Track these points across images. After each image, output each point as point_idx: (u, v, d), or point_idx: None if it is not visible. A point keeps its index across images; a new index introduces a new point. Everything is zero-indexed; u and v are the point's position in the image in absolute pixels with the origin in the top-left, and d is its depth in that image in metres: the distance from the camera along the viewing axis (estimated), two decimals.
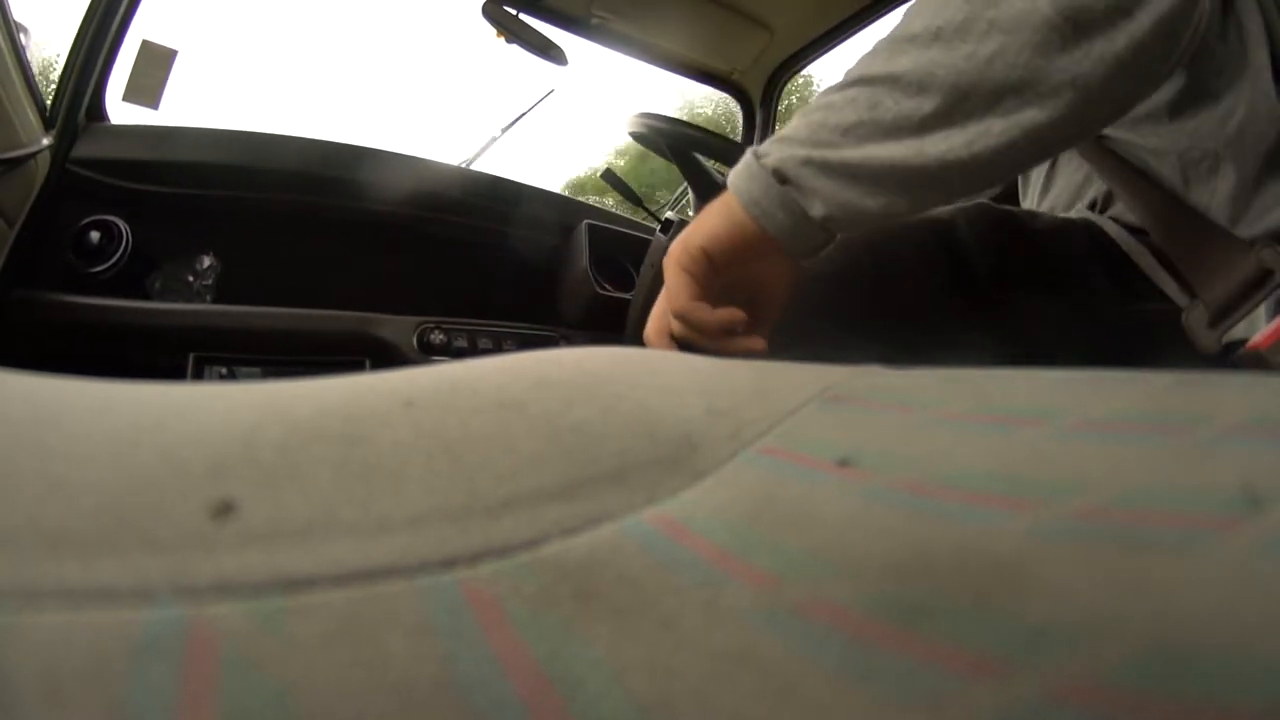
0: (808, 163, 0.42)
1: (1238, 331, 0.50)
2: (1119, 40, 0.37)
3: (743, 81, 1.56)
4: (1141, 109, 0.54)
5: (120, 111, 1.05)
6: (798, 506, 0.14)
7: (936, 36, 0.39)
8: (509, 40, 1.24)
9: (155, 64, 1.05)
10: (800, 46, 1.46)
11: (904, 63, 0.39)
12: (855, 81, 0.41)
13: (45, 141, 0.92)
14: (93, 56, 0.98)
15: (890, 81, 0.40)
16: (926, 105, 0.39)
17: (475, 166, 1.35)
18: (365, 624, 0.11)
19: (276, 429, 0.15)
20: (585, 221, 1.27)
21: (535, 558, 0.13)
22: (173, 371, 0.94)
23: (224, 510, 0.13)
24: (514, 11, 1.22)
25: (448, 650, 0.11)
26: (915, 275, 0.60)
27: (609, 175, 1.35)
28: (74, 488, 0.13)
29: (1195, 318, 0.52)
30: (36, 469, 0.13)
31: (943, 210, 0.66)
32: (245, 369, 0.99)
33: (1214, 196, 0.52)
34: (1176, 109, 0.53)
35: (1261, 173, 0.51)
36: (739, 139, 1.56)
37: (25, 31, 0.91)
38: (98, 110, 1.02)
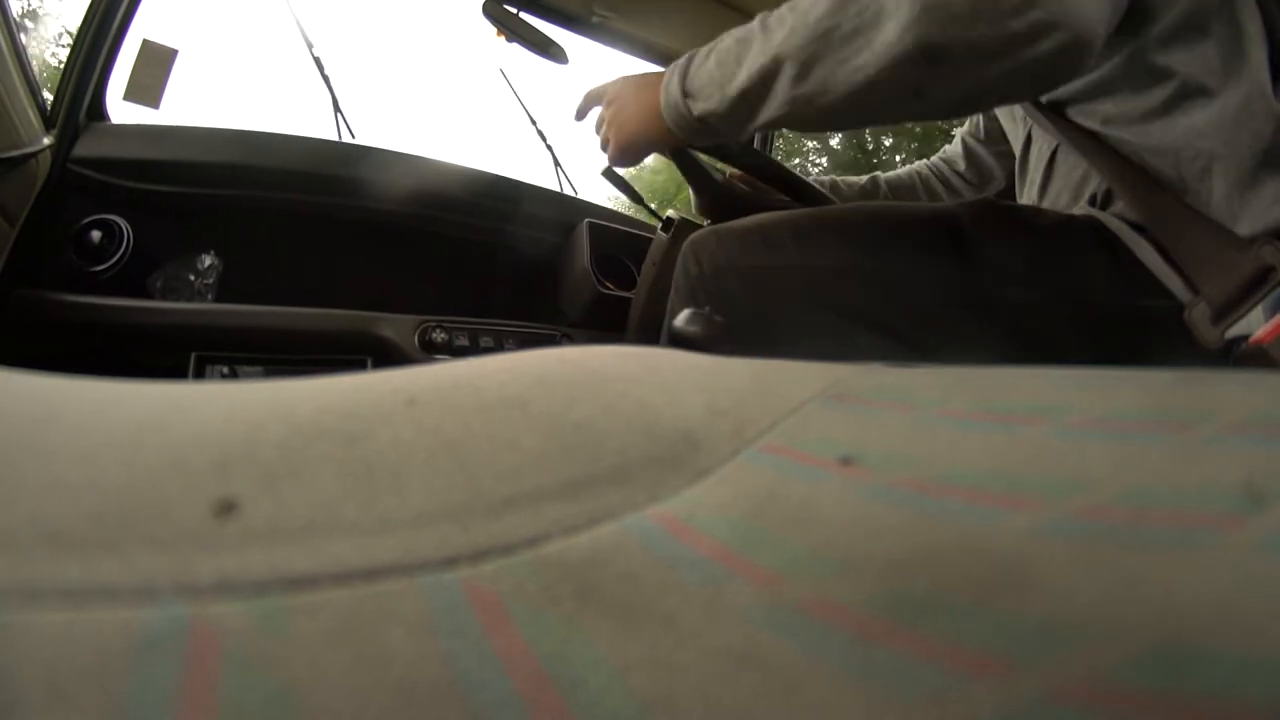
0: (716, 115, 0.59)
1: (1240, 327, 0.50)
2: (986, 72, 0.46)
3: None
4: (1138, 107, 0.54)
5: (121, 111, 1.05)
6: (800, 504, 0.14)
7: (826, 34, 0.50)
8: (509, 39, 1.24)
9: (156, 63, 1.05)
10: None
11: (794, 44, 0.51)
12: (760, 49, 0.54)
13: (46, 141, 0.92)
14: (93, 56, 0.97)
15: (777, 61, 0.53)
16: (802, 89, 0.52)
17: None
18: (367, 622, 0.11)
19: (278, 428, 0.15)
20: (586, 220, 1.27)
21: (537, 556, 0.13)
22: (174, 370, 0.94)
23: (226, 509, 0.13)
24: (514, 10, 1.22)
25: (449, 649, 0.11)
26: (918, 271, 0.60)
27: (610, 174, 1.35)
28: (75, 486, 0.13)
29: (1198, 314, 0.52)
30: (38, 468, 0.13)
31: (946, 205, 0.66)
32: (247, 368, 0.99)
33: (1212, 194, 0.52)
34: (1173, 107, 0.53)
35: (1259, 170, 0.51)
36: None
37: (25, 31, 0.91)
38: (98, 109, 1.02)
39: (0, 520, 0.12)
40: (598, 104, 0.72)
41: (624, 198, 1.30)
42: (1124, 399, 0.17)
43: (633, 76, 0.70)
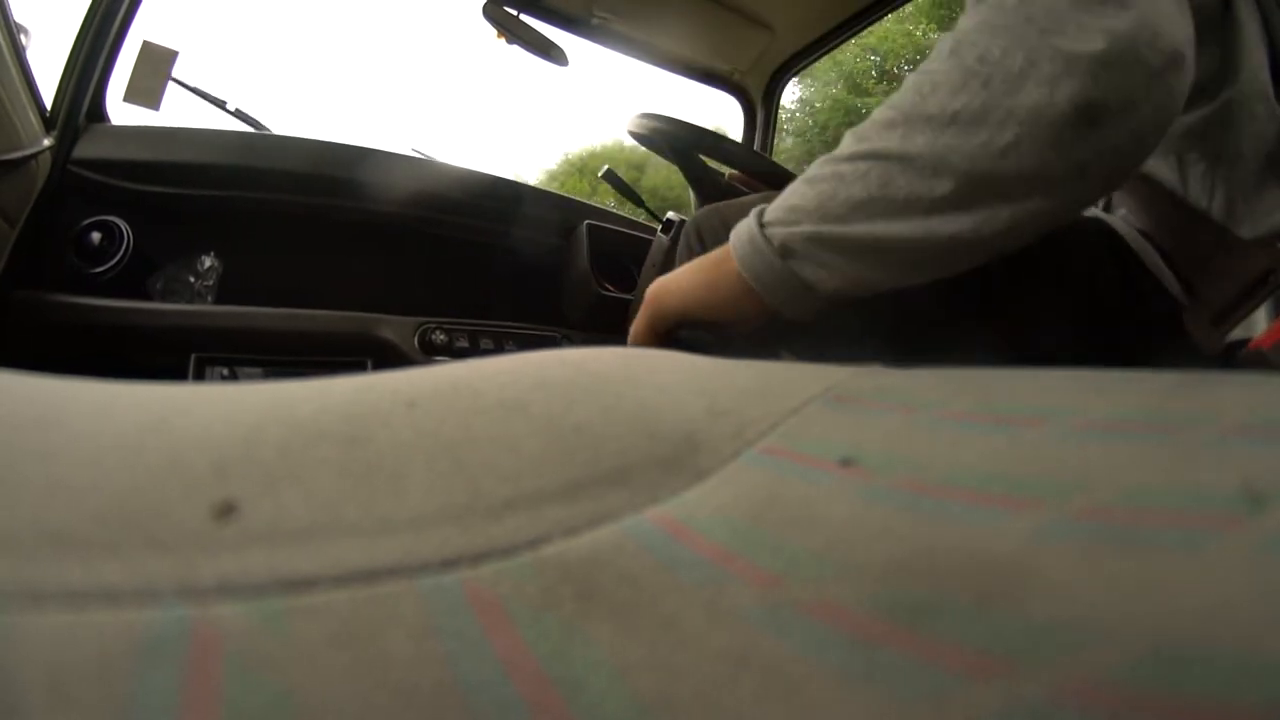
0: (814, 238, 0.43)
1: (1240, 331, 0.50)
2: (1123, 131, 0.38)
3: (744, 81, 1.55)
4: None
5: (121, 112, 1.05)
6: (800, 506, 0.14)
7: (953, 120, 0.39)
8: (509, 41, 1.24)
9: (156, 65, 1.05)
10: (801, 46, 1.46)
11: (919, 143, 0.40)
12: (866, 155, 0.41)
13: (46, 142, 0.92)
14: (93, 57, 0.98)
15: (904, 161, 0.40)
16: (939, 188, 0.39)
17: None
18: (367, 624, 0.11)
19: (278, 430, 0.15)
20: (586, 222, 1.27)
21: (537, 558, 0.13)
22: (174, 372, 0.94)
23: (226, 511, 0.13)
24: (514, 12, 1.22)
25: (449, 651, 0.11)
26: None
27: (610, 175, 1.35)
28: (76, 488, 0.13)
29: (1197, 317, 0.52)
30: (39, 470, 0.13)
31: None
32: (247, 369, 0.99)
33: (1214, 198, 0.52)
34: (1186, 114, 0.53)
35: (1262, 174, 0.51)
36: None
37: (26, 33, 0.91)
38: (98, 111, 1.02)
39: (1, 522, 0.12)
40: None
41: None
42: (1124, 401, 0.17)
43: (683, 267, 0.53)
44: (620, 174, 1.35)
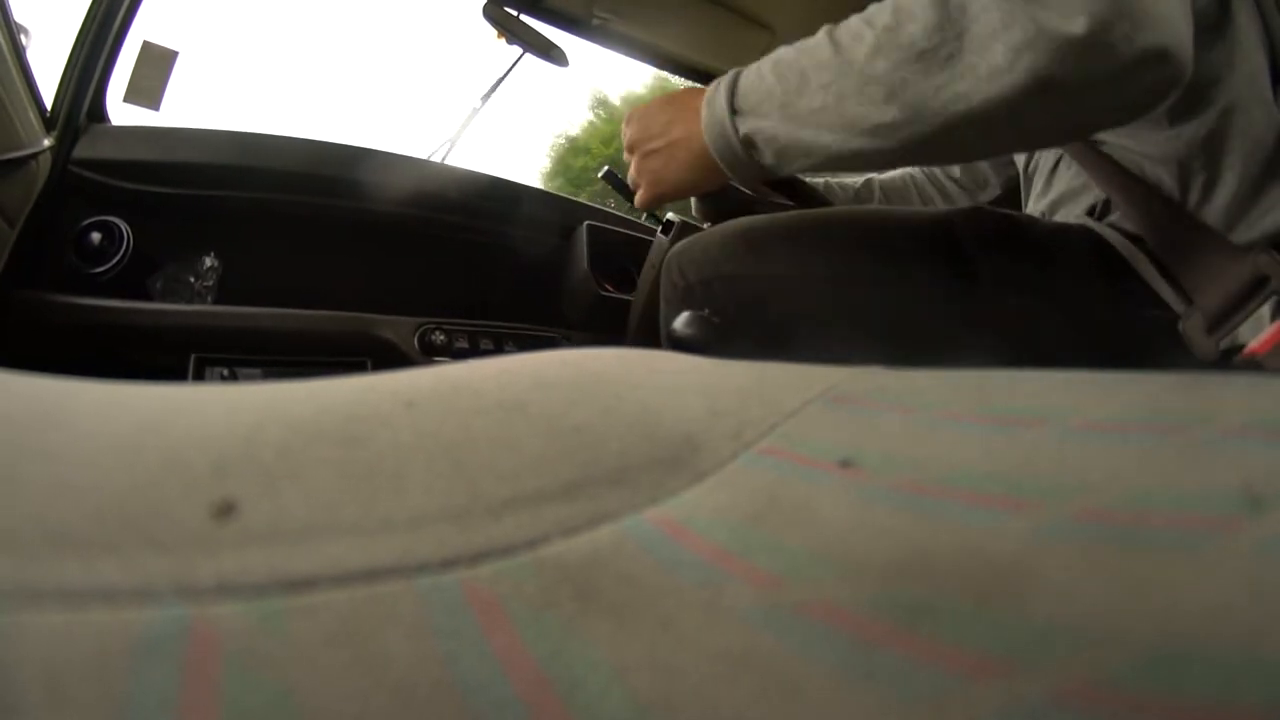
0: (773, 140, 0.49)
1: (1235, 338, 0.50)
2: (1071, 112, 0.42)
3: None
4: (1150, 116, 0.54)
5: (121, 112, 1.05)
6: (799, 507, 0.14)
7: (919, 58, 0.42)
8: (509, 41, 1.24)
9: (156, 65, 1.05)
10: None
11: (881, 67, 0.44)
12: (834, 66, 0.46)
13: (46, 142, 0.92)
14: (93, 57, 0.98)
15: (863, 80, 0.44)
16: (886, 114, 0.44)
17: (451, 153, 1.34)
18: (366, 624, 0.11)
19: (278, 429, 0.15)
20: (586, 223, 1.27)
21: (536, 558, 0.13)
22: (174, 372, 0.94)
23: (225, 510, 0.13)
24: (514, 12, 1.22)
25: (448, 650, 0.11)
26: (914, 276, 0.60)
27: (610, 175, 1.35)
28: (76, 488, 0.13)
29: (1193, 325, 0.52)
30: (39, 469, 0.13)
31: (938, 211, 0.66)
32: (246, 370, 0.99)
33: (1212, 203, 0.52)
34: (1174, 115, 0.53)
35: (1261, 178, 0.51)
36: None
37: (26, 33, 0.91)
38: (99, 111, 1.02)
39: (1, 521, 0.12)
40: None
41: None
42: (1123, 402, 0.17)
43: (662, 97, 0.59)
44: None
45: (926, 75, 0.43)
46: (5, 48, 0.81)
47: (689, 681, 0.10)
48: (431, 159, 1.29)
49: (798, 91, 0.47)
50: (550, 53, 1.24)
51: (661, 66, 1.50)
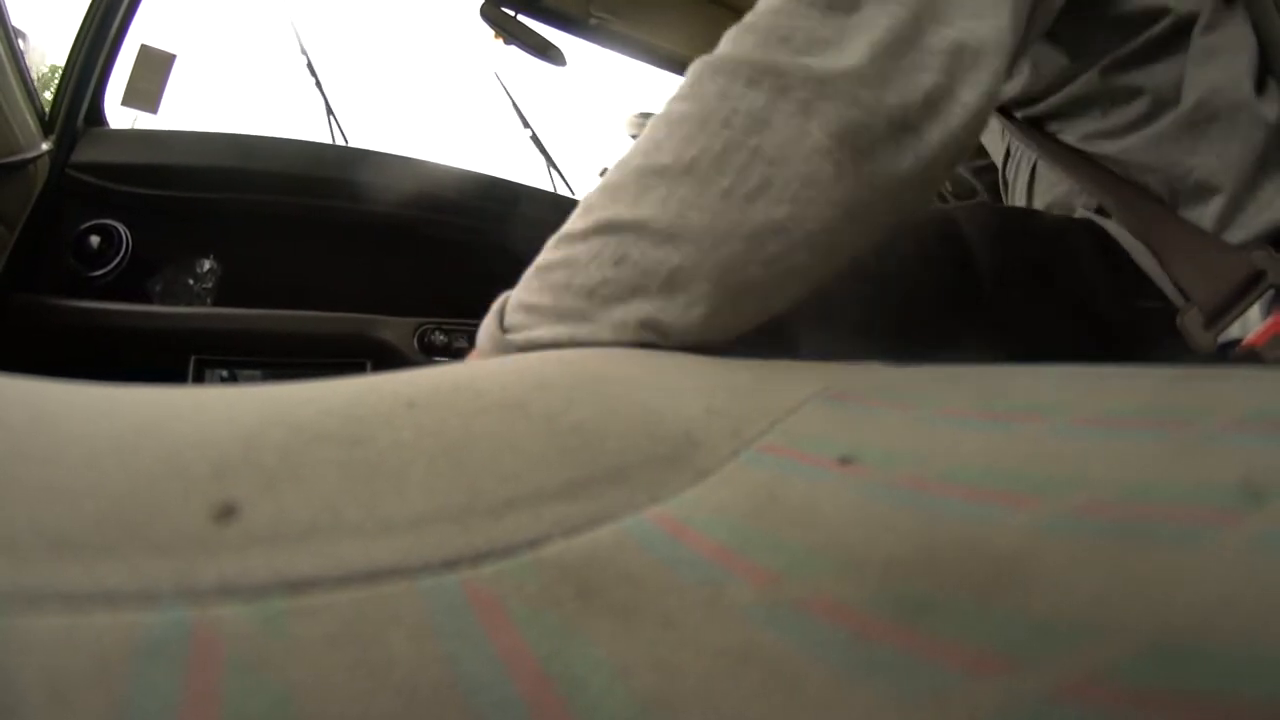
0: (554, 344, 0.35)
1: (1233, 331, 0.51)
2: (903, 161, 0.32)
3: None
4: (1117, 123, 0.54)
5: (119, 116, 1.05)
6: (799, 504, 0.14)
7: (689, 170, 0.32)
8: (507, 41, 1.24)
9: (154, 68, 1.05)
10: None
11: (651, 202, 0.32)
12: (597, 229, 0.34)
13: (44, 146, 0.92)
14: (91, 61, 0.98)
15: (637, 228, 0.33)
16: (675, 256, 0.32)
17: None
18: (368, 625, 0.11)
19: (278, 431, 0.15)
20: None
21: (537, 558, 0.13)
22: (174, 374, 0.94)
23: (226, 512, 0.13)
24: (512, 12, 1.22)
25: (450, 651, 0.11)
26: (917, 271, 0.60)
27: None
28: (76, 491, 0.13)
29: (1190, 319, 0.52)
30: (38, 473, 0.13)
31: (943, 207, 0.66)
32: (246, 371, 0.99)
33: (1207, 207, 0.52)
34: (1152, 121, 0.53)
35: (1252, 178, 0.51)
36: None
37: (23, 37, 0.91)
38: (97, 115, 1.02)
39: (1, 525, 0.12)
40: None
41: None
42: (1123, 396, 0.17)
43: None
44: None
45: (704, 185, 0.32)
46: (3, 53, 0.81)
47: (690, 679, 0.10)
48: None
49: (566, 282, 0.36)
50: (548, 52, 1.24)
51: (660, 65, 1.50)
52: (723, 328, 0.34)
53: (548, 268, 0.37)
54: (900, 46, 0.32)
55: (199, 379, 0.95)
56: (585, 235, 0.35)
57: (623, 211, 0.33)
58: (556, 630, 0.11)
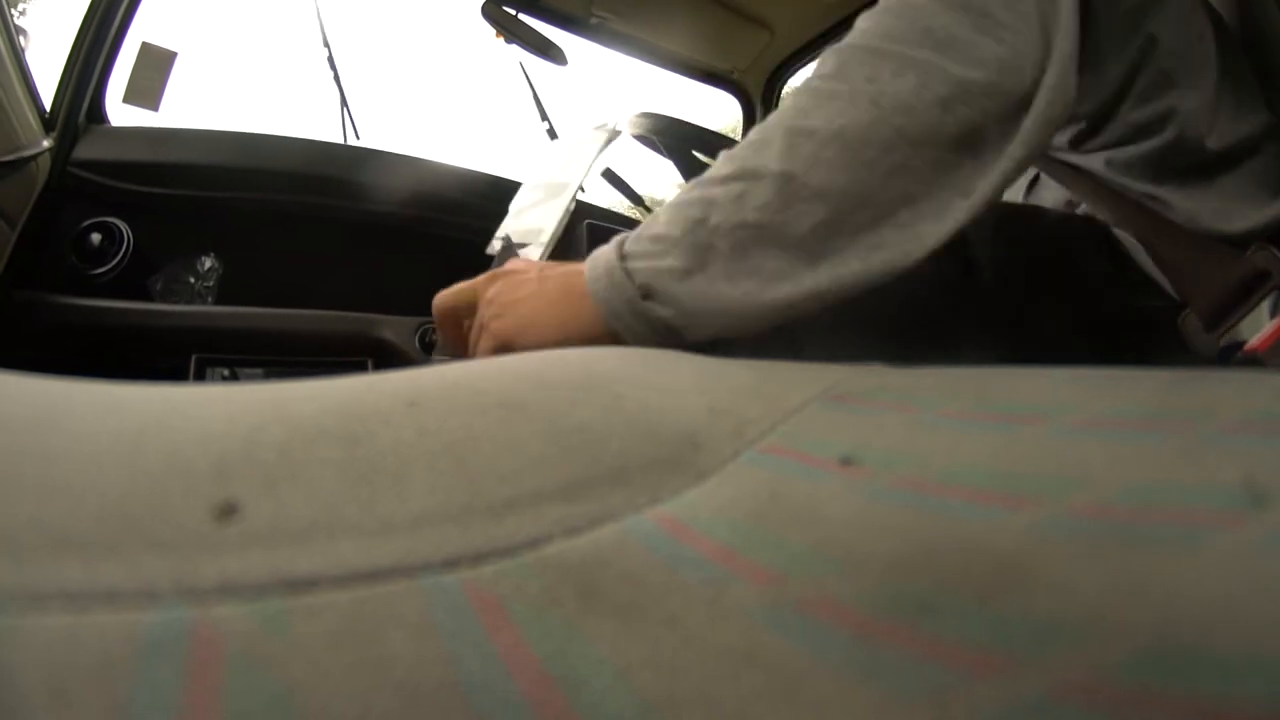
0: (684, 277, 0.38)
1: (1243, 331, 0.50)
2: (1002, 160, 0.37)
3: (743, 81, 1.55)
4: (1116, 136, 0.54)
5: (120, 113, 1.05)
6: (801, 504, 0.14)
7: (837, 136, 0.36)
8: (508, 40, 1.24)
9: (155, 66, 1.05)
10: (800, 45, 1.46)
11: (797, 159, 0.36)
12: (740, 175, 0.37)
13: (46, 144, 0.92)
14: (92, 58, 0.98)
15: (783, 179, 0.36)
16: (820, 212, 0.36)
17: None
18: (368, 624, 0.11)
19: (279, 430, 0.15)
20: (586, 221, 1.27)
21: (538, 557, 0.13)
22: (174, 373, 0.94)
23: (227, 511, 0.13)
24: (513, 11, 1.22)
25: (451, 650, 0.11)
26: (918, 270, 0.60)
27: (609, 175, 1.35)
28: (77, 490, 0.13)
29: (1191, 322, 0.52)
30: (39, 471, 0.13)
31: None
32: (247, 370, 0.99)
33: (1193, 205, 0.52)
34: (1129, 137, 0.53)
35: (1239, 179, 0.51)
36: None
37: (25, 34, 0.91)
38: (98, 112, 1.02)
39: (1, 524, 0.12)
40: (465, 294, 0.47)
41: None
42: (1124, 398, 0.17)
43: (530, 264, 0.46)
44: None
45: (856, 154, 0.36)
46: (4, 50, 0.81)
47: (692, 679, 0.10)
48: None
49: (703, 218, 0.38)
50: (549, 52, 1.24)
51: (661, 65, 1.50)
52: (840, 292, 0.38)
53: (684, 204, 0.39)
54: (1019, 63, 0.37)
55: (200, 377, 0.95)
56: (725, 180, 0.37)
57: (769, 163, 0.36)
58: (558, 630, 0.11)
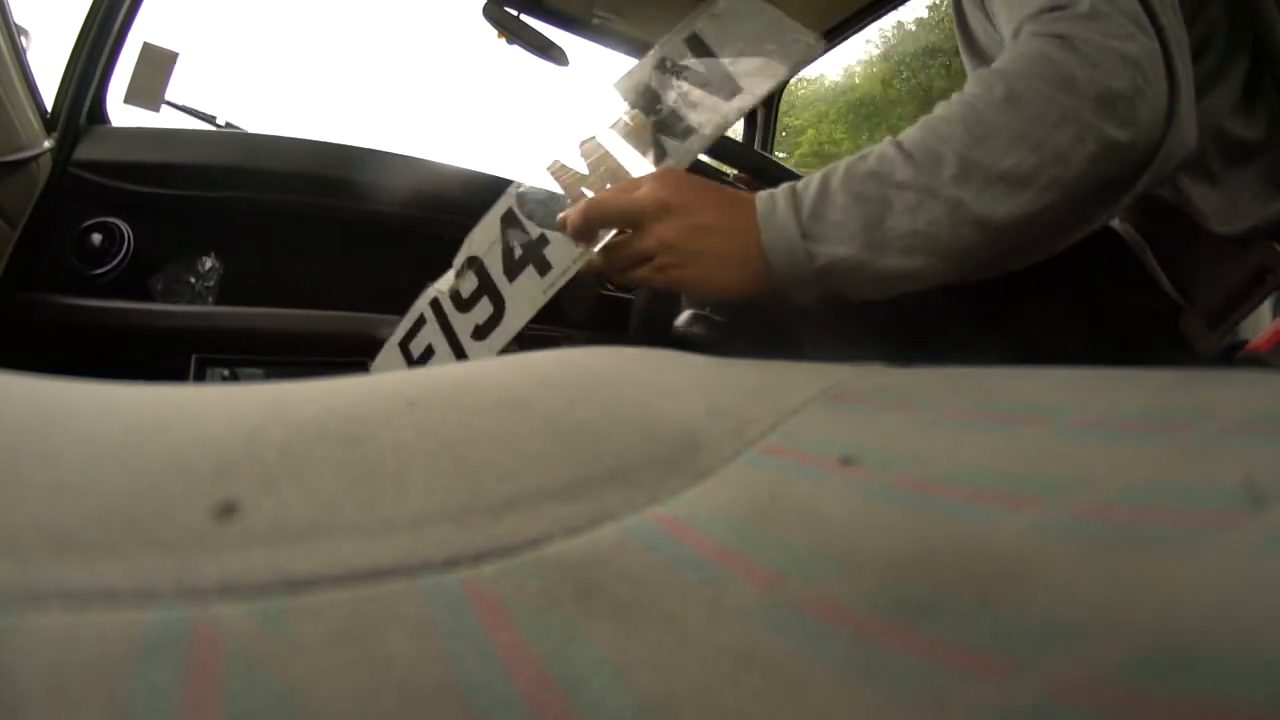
0: (857, 268, 0.45)
1: (1236, 333, 0.50)
2: (1124, 200, 0.44)
3: None
4: None
5: (121, 114, 1.05)
6: (801, 505, 0.14)
7: (1002, 178, 0.42)
8: (509, 41, 1.24)
9: (156, 66, 1.05)
10: None
11: (968, 191, 0.42)
12: (917, 187, 0.43)
13: (46, 144, 0.92)
14: (94, 59, 0.98)
15: (952, 206, 0.43)
16: (975, 238, 0.43)
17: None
18: (368, 624, 0.11)
19: (279, 429, 0.15)
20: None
21: (538, 557, 0.13)
22: (175, 373, 0.94)
23: (227, 511, 0.13)
24: (514, 12, 1.22)
25: (451, 650, 0.11)
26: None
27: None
28: (77, 489, 0.13)
29: (1193, 320, 0.52)
30: (39, 471, 0.13)
31: None
32: (247, 370, 0.99)
33: (1199, 197, 0.52)
34: None
35: (1242, 174, 0.51)
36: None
37: (26, 34, 0.91)
38: (99, 113, 1.02)
39: (1, 523, 0.12)
40: (629, 218, 0.49)
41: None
42: (1124, 399, 0.17)
43: (698, 189, 0.48)
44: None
45: (1014, 195, 0.42)
46: (5, 49, 0.81)
47: (691, 679, 0.10)
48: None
49: (880, 218, 0.44)
50: (550, 52, 1.24)
51: None
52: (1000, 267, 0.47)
53: (863, 198, 0.44)
54: (1156, 117, 0.42)
55: (200, 378, 0.95)
56: (902, 187, 0.44)
57: (944, 186, 0.43)
58: (557, 630, 0.11)
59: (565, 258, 0.54)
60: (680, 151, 0.55)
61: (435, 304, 0.62)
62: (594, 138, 0.59)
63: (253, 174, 1.06)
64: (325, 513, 0.13)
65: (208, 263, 1.03)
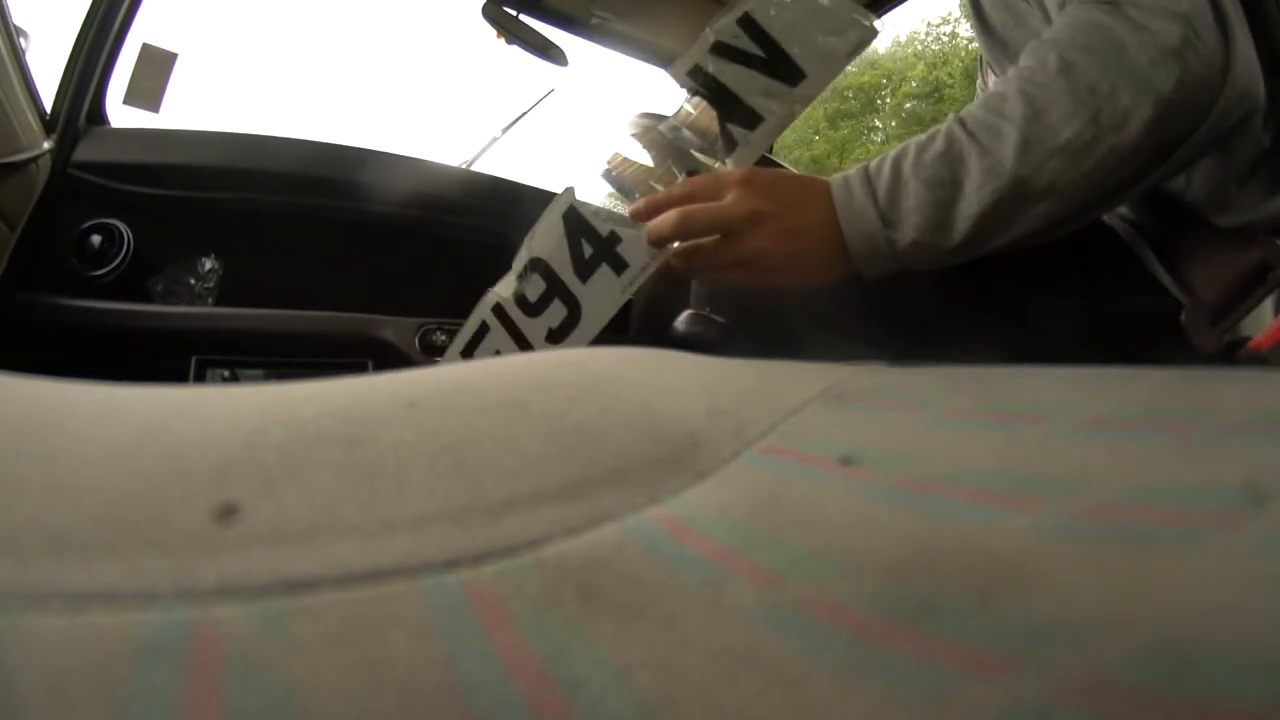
0: (932, 247, 0.48)
1: (1238, 331, 0.50)
2: (1179, 164, 0.46)
3: None
4: None
5: (121, 115, 1.05)
6: (801, 505, 0.14)
7: (1064, 149, 0.44)
8: (509, 41, 1.24)
9: (155, 67, 1.05)
10: None
11: (1031, 164, 0.45)
12: (983, 168, 0.46)
13: (46, 145, 0.92)
14: (93, 60, 0.98)
15: (1017, 182, 0.45)
16: (1042, 208, 0.46)
17: (476, 167, 1.35)
18: (368, 625, 0.11)
19: (279, 431, 0.15)
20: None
21: (538, 558, 0.13)
22: (175, 374, 0.94)
23: (227, 512, 0.13)
24: (514, 12, 1.22)
25: (451, 651, 0.11)
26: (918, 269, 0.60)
27: (609, 175, 1.35)
28: (77, 490, 0.13)
29: (1194, 317, 0.52)
30: (39, 472, 0.13)
31: None
32: (247, 371, 0.99)
33: (1205, 191, 0.52)
34: None
35: (1250, 169, 0.51)
36: None
37: (25, 35, 0.91)
38: (98, 114, 1.02)
39: (1, 524, 0.12)
40: (722, 228, 0.50)
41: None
42: (1125, 398, 0.17)
43: (781, 173, 0.52)
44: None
45: (1075, 165, 0.44)
46: (4, 50, 0.81)
47: (691, 679, 0.10)
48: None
49: (951, 200, 0.47)
50: (549, 52, 1.24)
51: (662, 65, 1.50)
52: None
53: (933, 182, 0.47)
54: (1211, 77, 0.43)
55: (200, 379, 0.95)
56: (970, 173, 0.46)
57: (1008, 162, 0.45)
58: (558, 630, 0.11)
59: (642, 255, 0.53)
60: (752, 141, 0.55)
61: (499, 309, 0.61)
62: (655, 127, 0.59)
63: (252, 175, 1.06)
64: (325, 514, 0.13)
65: (207, 264, 1.03)
